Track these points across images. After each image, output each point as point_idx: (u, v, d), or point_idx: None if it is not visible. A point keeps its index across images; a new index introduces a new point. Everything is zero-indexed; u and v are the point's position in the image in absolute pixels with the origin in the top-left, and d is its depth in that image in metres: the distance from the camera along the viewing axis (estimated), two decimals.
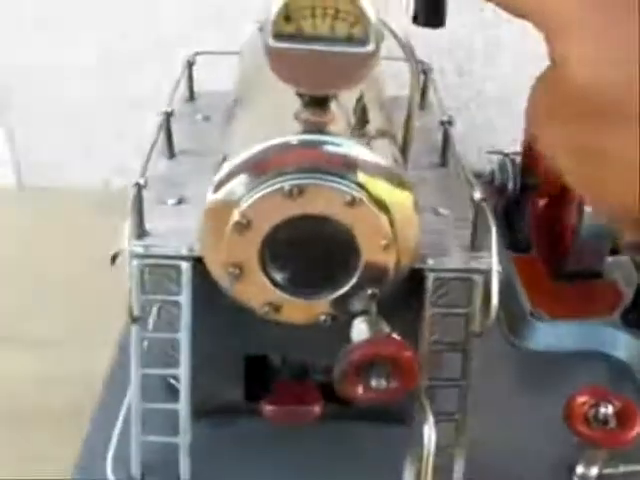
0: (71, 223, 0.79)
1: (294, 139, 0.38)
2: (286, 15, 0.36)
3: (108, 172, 0.86)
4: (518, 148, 0.68)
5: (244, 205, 0.37)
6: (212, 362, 0.46)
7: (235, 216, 0.38)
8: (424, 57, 0.75)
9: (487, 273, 0.42)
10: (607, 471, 0.46)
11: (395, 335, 0.39)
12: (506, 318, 0.58)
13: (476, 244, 0.43)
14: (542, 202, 0.66)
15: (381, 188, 0.38)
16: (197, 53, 0.59)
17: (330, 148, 0.38)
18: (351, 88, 0.37)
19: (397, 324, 0.40)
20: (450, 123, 0.52)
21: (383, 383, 0.38)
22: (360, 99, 0.45)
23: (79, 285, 0.69)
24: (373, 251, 0.39)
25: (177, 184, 0.48)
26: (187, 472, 0.45)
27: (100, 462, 0.46)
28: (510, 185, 0.61)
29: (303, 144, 0.38)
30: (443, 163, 0.52)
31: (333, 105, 0.40)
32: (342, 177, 0.38)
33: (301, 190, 0.37)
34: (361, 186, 0.38)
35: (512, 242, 0.64)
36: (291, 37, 0.36)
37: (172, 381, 0.45)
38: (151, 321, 0.47)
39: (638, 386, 0.53)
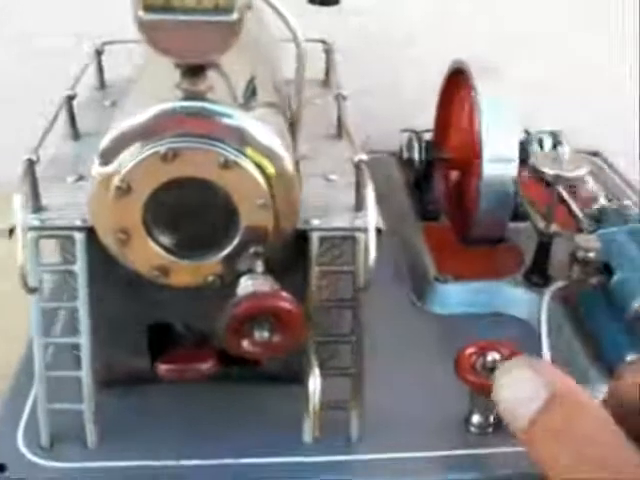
0: None
1: (171, 106, 0.40)
2: None
3: None
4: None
5: (123, 171, 0.39)
6: (116, 331, 0.47)
7: (116, 182, 0.39)
8: (344, 41, 0.78)
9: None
10: None
11: (280, 290, 0.41)
12: (413, 284, 0.60)
13: (360, 205, 0.45)
14: (454, 174, 0.69)
15: (258, 151, 0.40)
16: (105, 43, 0.61)
17: (206, 113, 0.40)
18: (221, 55, 0.39)
19: (290, 284, 0.42)
20: (343, 97, 0.54)
21: (266, 335, 0.39)
22: (252, 76, 0.47)
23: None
24: (251, 211, 0.40)
25: (78, 163, 0.50)
26: (94, 438, 0.46)
27: (12, 435, 0.47)
28: (416, 159, 0.64)
29: (180, 110, 0.40)
30: (339, 135, 0.54)
31: (217, 75, 0.42)
32: (217, 140, 0.39)
33: (176, 153, 0.39)
34: (237, 149, 0.40)
35: (422, 212, 0.66)
36: (161, 9, 0.38)
37: (75, 352, 0.47)
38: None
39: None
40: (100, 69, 0.61)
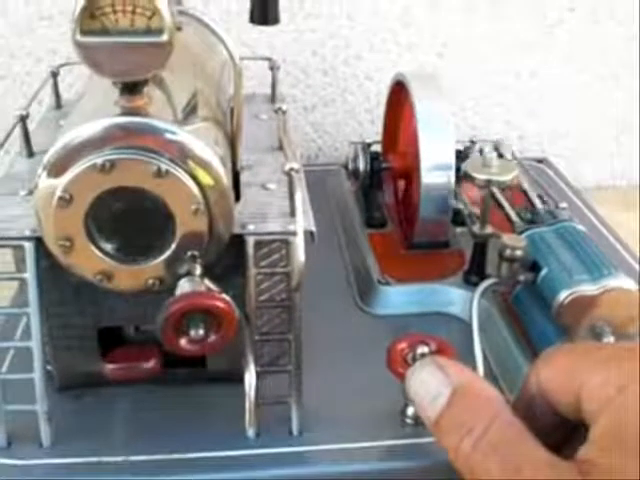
0: None
1: (109, 121, 0.43)
2: (90, 13, 0.41)
3: None
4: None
5: (64, 182, 0.42)
6: (69, 336, 0.50)
7: (58, 192, 0.42)
8: (290, 57, 0.82)
9: (305, 234, 0.47)
10: None
11: (214, 290, 0.43)
12: (358, 287, 0.63)
13: (294, 211, 0.48)
14: (402, 184, 0.72)
15: (192, 161, 0.43)
16: (61, 65, 0.64)
17: (141, 127, 0.43)
18: (153, 72, 0.43)
19: (232, 288, 0.45)
20: (283, 112, 0.57)
21: (201, 333, 0.42)
22: (194, 93, 0.51)
23: None
24: (186, 217, 0.43)
25: (32, 179, 0.52)
26: (48, 438, 0.49)
27: None
28: (361, 169, 0.67)
29: (117, 125, 0.43)
30: (280, 147, 0.57)
31: (159, 92, 0.46)
32: (151, 152, 0.42)
33: (112, 164, 0.42)
34: (170, 159, 0.43)
35: (369, 220, 0.69)
36: (97, 32, 0.41)
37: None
38: None
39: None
40: (56, 90, 0.64)
